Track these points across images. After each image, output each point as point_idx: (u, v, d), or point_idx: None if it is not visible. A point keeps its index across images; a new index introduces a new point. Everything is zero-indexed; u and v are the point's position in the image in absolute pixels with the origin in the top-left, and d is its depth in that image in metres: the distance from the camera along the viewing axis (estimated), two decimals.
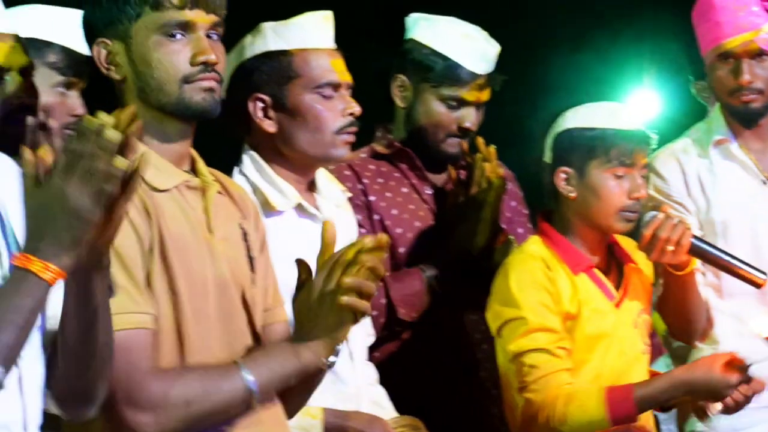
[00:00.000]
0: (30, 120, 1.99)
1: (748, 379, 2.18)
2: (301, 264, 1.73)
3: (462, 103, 2.69)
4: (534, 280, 2.34)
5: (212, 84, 1.78)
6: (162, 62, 1.75)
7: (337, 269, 1.64)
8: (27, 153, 1.35)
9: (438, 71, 2.68)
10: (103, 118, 1.31)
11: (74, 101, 2.14)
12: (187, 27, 1.76)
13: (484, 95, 2.72)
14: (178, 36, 1.75)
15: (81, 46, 2.03)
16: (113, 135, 1.28)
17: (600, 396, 2.23)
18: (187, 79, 1.74)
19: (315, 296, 1.70)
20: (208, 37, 1.77)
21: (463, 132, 2.68)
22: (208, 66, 1.75)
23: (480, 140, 2.69)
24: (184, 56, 1.75)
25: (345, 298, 1.63)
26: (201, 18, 1.76)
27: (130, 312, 1.66)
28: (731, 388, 2.15)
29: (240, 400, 1.70)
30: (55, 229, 1.35)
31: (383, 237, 1.71)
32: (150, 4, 1.75)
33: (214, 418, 1.74)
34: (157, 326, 1.70)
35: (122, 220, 1.39)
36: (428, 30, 2.71)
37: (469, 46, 2.72)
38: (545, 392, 2.25)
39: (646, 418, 2.40)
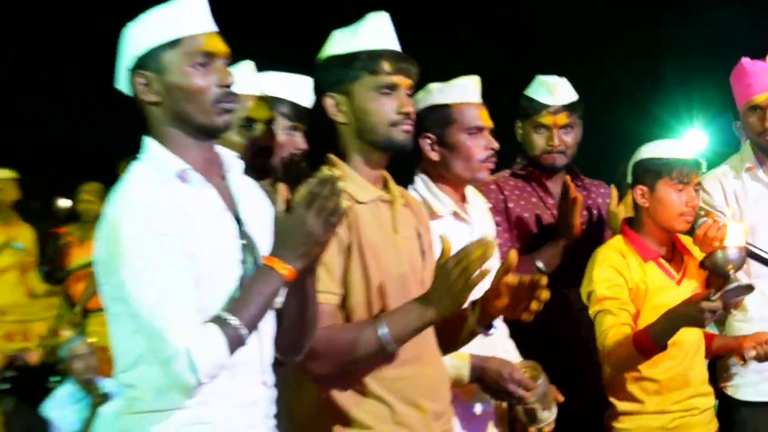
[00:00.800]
0: (280, 159, 2.82)
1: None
2: (444, 240, 2.29)
3: (544, 128, 3.55)
4: (608, 264, 3.19)
5: (410, 128, 2.52)
6: (376, 111, 2.47)
7: (467, 257, 2.21)
8: (282, 188, 2.09)
9: (528, 108, 3.61)
10: (335, 172, 2.09)
11: (299, 140, 2.88)
12: (393, 87, 2.47)
13: (560, 119, 3.51)
14: (388, 93, 2.47)
15: (304, 101, 2.87)
16: (340, 185, 2.01)
17: (629, 337, 3.03)
18: (393, 124, 2.46)
19: (449, 270, 2.23)
20: (408, 95, 2.52)
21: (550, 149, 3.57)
22: (408, 115, 2.48)
23: (567, 178, 3.47)
24: (391, 107, 2.45)
25: (473, 278, 2.21)
26: (403, 81, 2.49)
27: (320, 291, 2.33)
28: (702, 312, 2.87)
29: (377, 348, 2.31)
30: (295, 244, 2.06)
31: (489, 242, 2.27)
32: (368, 71, 2.46)
33: (361, 361, 2.36)
34: (336, 301, 2.41)
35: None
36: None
37: (544, 87, 3.59)
38: (607, 341, 3.07)
39: (701, 380, 3.28)
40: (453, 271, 2.24)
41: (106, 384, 5.82)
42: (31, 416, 5.77)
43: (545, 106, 3.52)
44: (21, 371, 6.44)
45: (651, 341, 2.98)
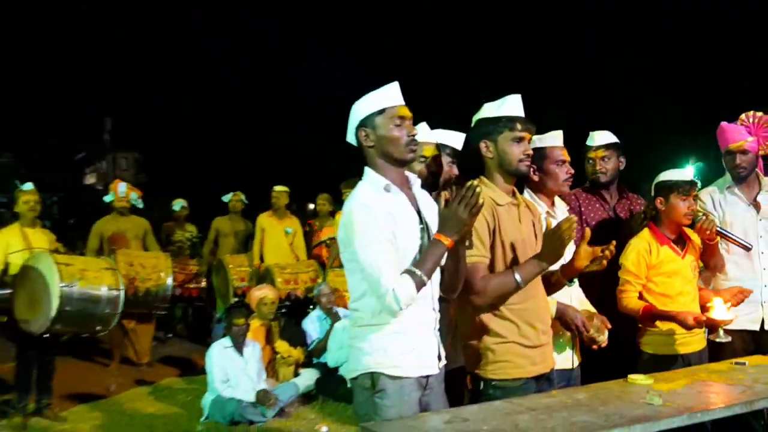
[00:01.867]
0: (443, 180, 3.88)
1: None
2: (548, 219, 3.31)
3: (592, 159, 4.85)
4: (636, 249, 4.41)
5: (529, 162, 3.46)
6: (511, 153, 3.37)
7: (561, 227, 3.15)
8: (444, 194, 2.96)
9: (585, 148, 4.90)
10: (475, 183, 2.88)
11: (454, 169, 3.93)
12: (522, 139, 3.36)
13: (599, 153, 4.80)
14: (519, 141, 3.37)
15: (458, 146, 3.97)
16: (478, 190, 2.86)
17: (639, 304, 4.33)
18: (521, 160, 3.37)
19: (551, 236, 3.20)
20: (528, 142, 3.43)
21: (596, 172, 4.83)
22: (529, 156, 3.41)
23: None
24: (520, 150, 3.37)
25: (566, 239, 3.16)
26: (527, 135, 3.41)
27: (474, 255, 3.26)
28: (689, 329, 4.19)
29: (515, 286, 3.25)
30: (452, 226, 2.89)
31: (573, 218, 3.21)
32: (508, 128, 3.38)
33: (505, 297, 3.29)
34: (487, 262, 3.31)
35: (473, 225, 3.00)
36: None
37: (591, 136, 4.87)
38: (624, 301, 4.38)
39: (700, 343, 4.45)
40: (554, 237, 3.17)
41: (339, 310, 8.05)
42: (295, 328, 7.91)
43: (591, 147, 4.80)
44: (292, 302, 8.68)
45: (649, 318, 4.31)
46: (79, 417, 6.96)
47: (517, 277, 3.23)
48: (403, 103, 3.10)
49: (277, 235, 9.66)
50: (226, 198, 10.44)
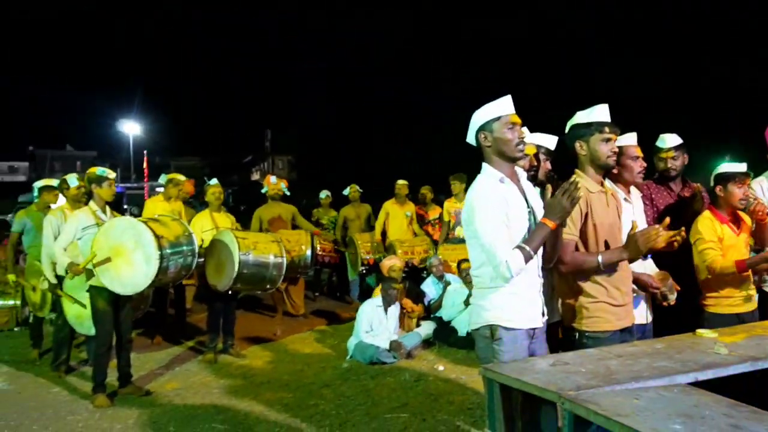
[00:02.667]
0: (543, 173, 3.95)
1: None
2: (634, 223, 3.29)
3: (663, 158, 4.68)
4: (706, 224, 4.26)
5: (615, 157, 3.39)
6: (602, 151, 3.33)
7: (649, 234, 3.14)
8: (548, 187, 3.05)
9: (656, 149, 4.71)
10: (576, 178, 3.18)
11: (548, 164, 3.99)
12: (609, 140, 3.33)
13: (670, 153, 4.64)
14: (607, 141, 3.32)
15: (552, 146, 4.02)
16: (579, 187, 2.92)
17: (732, 261, 4.10)
18: (608, 156, 3.34)
19: (637, 240, 3.16)
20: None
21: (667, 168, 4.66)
22: (615, 153, 3.36)
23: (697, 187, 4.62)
24: (608, 149, 3.32)
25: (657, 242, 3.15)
26: (614, 136, 3.37)
27: (567, 233, 3.21)
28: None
29: (596, 267, 3.23)
30: (555, 212, 2.90)
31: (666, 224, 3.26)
32: (599, 131, 3.34)
33: (586, 272, 3.28)
34: (576, 239, 3.28)
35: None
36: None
37: (662, 139, 4.68)
38: (714, 263, 4.14)
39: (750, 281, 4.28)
40: (640, 242, 3.17)
41: (447, 276, 8.06)
42: (415, 289, 7.95)
43: (662, 149, 4.66)
44: (410, 269, 8.67)
45: (745, 267, 4.07)
46: (254, 355, 7.19)
47: (600, 259, 3.24)
48: (514, 111, 3.09)
49: (399, 218, 9.76)
50: (345, 191, 10.58)
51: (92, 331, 6.01)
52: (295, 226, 9.20)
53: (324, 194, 11.14)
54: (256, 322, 8.94)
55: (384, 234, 9.78)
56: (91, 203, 5.71)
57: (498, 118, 3.05)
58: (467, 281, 7.49)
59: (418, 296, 7.85)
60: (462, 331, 7.30)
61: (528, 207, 3.09)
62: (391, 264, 7.64)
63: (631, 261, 3.46)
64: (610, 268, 3.30)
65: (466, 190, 9.03)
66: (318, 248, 9.28)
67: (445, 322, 7.52)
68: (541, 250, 3.07)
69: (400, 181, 9.89)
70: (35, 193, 7.37)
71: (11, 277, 7.41)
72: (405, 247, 9.06)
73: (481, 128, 3.09)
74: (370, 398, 5.51)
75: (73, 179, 6.59)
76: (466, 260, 7.77)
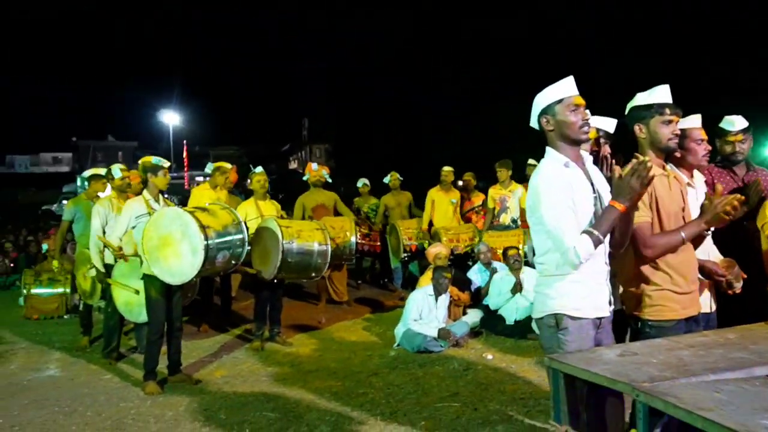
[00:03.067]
0: (602, 156, 3.83)
1: None
2: (717, 186, 3.30)
3: (730, 142, 4.41)
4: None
5: (677, 140, 3.24)
6: (662, 133, 3.20)
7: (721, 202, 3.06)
8: (616, 168, 2.85)
9: (721, 131, 4.46)
10: (647, 158, 2.77)
11: (607, 148, 3.84)
12: (670, 121, 3.18)
13: (738, 137, 4.36)
14: (668, 123, 3.18)
15: (611, 129, 3.93)
16: (650, 166, 2.76)
17: None
18: (670, 139, 3.20)
19: (711, 208, 3.11)
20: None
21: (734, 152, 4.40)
22: (677, 135, 3.23)
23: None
24: (669, 131, 3.19)
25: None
26: (675, 118, 3.22)
27: (641, 216, 3.11)
28: None
29: (680, 242, 3.13)
30: (625, 194, 2.78)
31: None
32: (659, 113, 3.21)
33: (671, 251, 3.16)
34: (650, 221, 3.14)
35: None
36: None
37: (728, 121, 4.40)
38: None
39: None
40: (718, 206, 3.10)
41: (495, 264, 7.94)
42: (461, 277, 7.83)
43: (730, 132, 4.39)
44: (455, 256, 8.54)
45: None
46: (301, 343, 7.19)
47: (683, 234, 3.14)
48: (578, 93, 2.97)
49: (444, 205, 9.63)
50: (386, 179, 10.47)
51: (141, 318, 6.08)
52: (337, 214, 9.17)
53: (361, 182, 11.10)
54: (300, 310, 8.95)
55: (430, 222, 9.66)
56: (145, 192, 5.75)
57: (560, 101, 2.94)
58: (514, 268, 7.37)
59: (464, 284, 7.74)
60: (509, 320, 7.20)
61: (594, 191, 2.97)
62: (437, 252, 7.55)
63: (700, 240, 3.38)
64: (675, 254, 3.18)
65: (511, 177, 8.98)
66: (358, 236, 9.22)
67: (492, 311, 7.42)
68: (608, 236, 2.96)
69: (446, 168, 9.75)
70: (79, 183, 7.53)
71: (55, 264, 7.51)
72: (450, 234, 8.96)
73: (543, 112, 2.99)
74: (420, 387, 5.45)
75: (117, 170, 6.65)
76: (513, 247, 7.66)
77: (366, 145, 41.40)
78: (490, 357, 6.29)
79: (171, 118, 60.62)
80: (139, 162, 5.84)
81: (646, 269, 3.22)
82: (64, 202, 38.31)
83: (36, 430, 4.72)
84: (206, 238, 5.22)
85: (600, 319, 2.93)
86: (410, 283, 10.04)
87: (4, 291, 11.92)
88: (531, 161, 9.47)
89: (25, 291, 8.89)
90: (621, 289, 3.42)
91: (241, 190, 16.71)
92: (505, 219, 8.86)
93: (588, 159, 3.12)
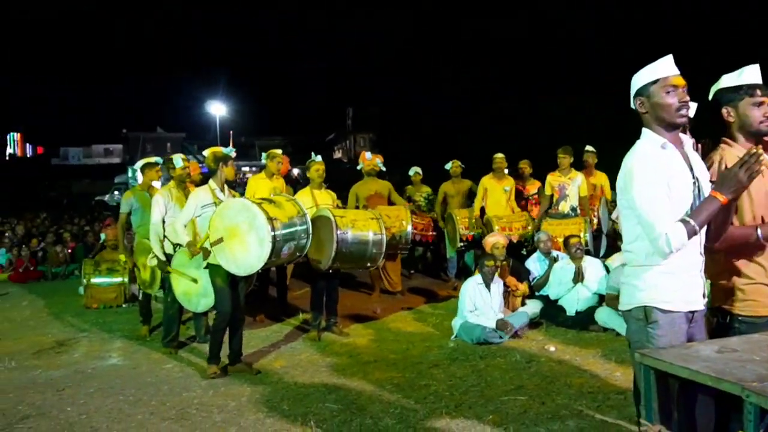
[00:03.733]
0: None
1: None
2: None
3: None
4: None
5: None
6: (753, 116, 2.97)
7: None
8: (719, 155, 2.93)
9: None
10: (759, 150, 2.60)
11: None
12: (761, 104, 2.94)
13: None
14: (759, 105, 2.94)
15: (691, 112, 3.11)
16: (763, 159, 2.61)
17: None
18: (761, 122, 2.96)
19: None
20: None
21: None
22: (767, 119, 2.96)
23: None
24: (760, 113, 2.95)
25: None
26: (766, 100, 2.97)
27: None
28: None
29: (754, 240, 2.86)
30: (729, 186, 2.61)
31: None
32: (749, 94, 2.98)
33: (742, 247, 2.92)
34: None
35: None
36: None
37: None
38: None
39: None
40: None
41: (554, 253, 7.75)
42: (519, 266, 7.64)
43: None
44: (511, 245, 8.19)
45: None
46: (357, 333, 7.12)
47: (759, 232, 2.88)
48: (677, 73, 2.80)
49: (497, 193, 9.41)
50: (447, 166, 10.28)
51: (199, 308, 6.10)
52: (390, 203, 9.08)
53: (413, 171, 10.99)
54: (354, 300, 8.91)
55: (482, 210, 9.48)
56: (211, 181, 5.75)
57: (655, 81, 2.77)
58: (575, 257, 7.17)
59: (523, 274, 7.56)
60: (570, 310, 7.03)
61: (693, 177, 2.79)
62: (495, 241, 7.39)
63: None
64: None
65: (572, 165, 8.74)
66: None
67: (552, 301, 7.24)
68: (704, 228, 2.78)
69: (498, 155, 9.53)
70: (130, 174, 7.60)
71: (122, 257, 7.58)
72: (502, 222, 8.78)
73: (638, 93, 2.83)
74: (483, 379, 5.33)
75: (179, 159, 6.65)
76: (575, 236, 7.45)
77: (411, 134, 41.07)
78: (552, 349, 6.13)
79: (217, 109, 61.10)
80: (209, 151, 5.82)
81: (739, 261, 3.00)
82: (116, 192, 39.67)
83: (103, 419, 4.74)
84: (273, 230, 5.19)
85: (693, 312, 2.77)
86: (464, 274, 9.93)
87: (64, 280, 12.15)
88: (589, 147, 9.24)
89: (84, 281, 9.02)
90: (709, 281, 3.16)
91: (287, 180, 16.65)
92: (564, 207, 8.62)
93: (688, 143, 2.92)
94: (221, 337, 5.64)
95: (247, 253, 5.27)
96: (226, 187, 5.81)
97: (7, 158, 67.64)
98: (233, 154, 5.80)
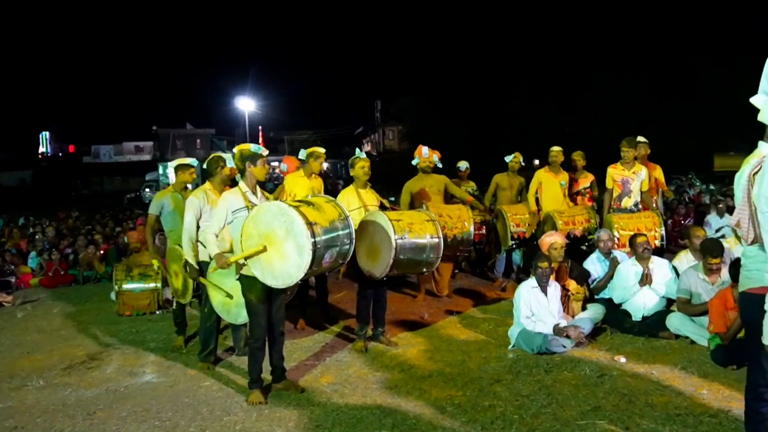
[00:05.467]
0: None
1: None
2: None
3: None
4: None
5: None
6: None
7: None
8: None
9: None
10: None
11: None
12: None
13: None
14: None
15: None
16: None
17: None
18: None
19: None
20: None
21: None
22: None
23: None
24: None
25: None
26: None
27: None
28: None
29: None
30: None
31: None
32: None
33: None
34: None
35: None
36: None
37: None
38: None
39: None
40: None
41: (616, 253, 7.12)
42: (580, 268, 7.01)
43: None
44: (571, 240, 7.73)
45: None
46: (406, 342, 6.61)
47: None
48: None
49: (553, 187, 8.79)
50: (508, 158, 9.68)
51: (239, 320, 5.64)
52: (446, 198, 8.61)
53: (464, 166, 10.54)
54: (398, 303, 8.38)
55: (536, 205, 8.90)
56: (241, 183, 5.21)
57: None
58: (643, 258, 6.57)
59: (584, 276, 6.96)
60: (636, 315, 6.45)
61: None
62: (552, 241, 6.78)
63: None
64: None
65: (636, 157, 8.09)
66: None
67: (615, 305, 6.66)
68: None
69: (555, 148, 8.91)
70: (161, 171, 7.11)
71: (155, 262, 7.16)
72: (565, 217, 8.15)
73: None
74: (553, 398, 4.79)
75: (231, 159, 6.06)
76: (641, 234, 6.86)
77: (442, 127, 40.22)
78: (623, 360, 5.57)
79: (246, 105, 60.94)
80: (236, 150, 5.30)
81: None
82: (147, 190, 39.41)
83: None
84: (313, 236, 4.66)
85: None
86: (512, 273, 9.39)
87: (96, 284, 11.79)
88: (641, 138, 8.59)
89: (116, 287, 8.62)
90: None
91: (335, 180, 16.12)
92: (627, 203, 7.97)
93: None
94: (261, 358, 5.13)
95: (285, 262, 4.74)
96: (258, 188, 5.29)
97: (40, 156, 68.06)
98: (264, 152, 5.26)
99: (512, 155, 9.56)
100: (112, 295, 9.04)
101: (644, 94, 33.99)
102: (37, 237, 14.12)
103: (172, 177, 7.00)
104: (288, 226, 4.72)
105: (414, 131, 45.59)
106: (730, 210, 13.18)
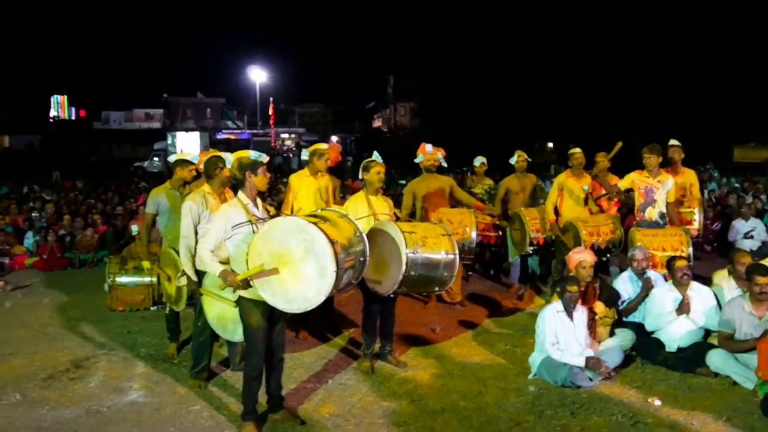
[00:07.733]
0: None
1: None
2: None
3: None
4: None
5: None
6: None
7: None
8: None
9: None
10: None
11: None
12: None
13: None
14: None
15: None
16: None
17: None
18: None
19: None
20: None
21: None
22: None
23: None
24: None
25: None
26: None
27: None
28: None
29: None
30: None
31: None
32: None
33: None
34: None
35: None
36: None
37: None
38: None
39: None
40: None
41: (650, 274, 6.51)
42: (610, 289, 6.42)
43: None
44: (595, 252, 6.82)
45: None
46: (416, 363, 6.06)
47: None
48: None
49: (576, 193, 8.07)
50: (512, 160, 9.02)
51: (236, 337, 5.10)
52: (451, 201, 7.98)
53: (479, 161, 9.89)
54: (407, 311, 7.80)
55: (555, 211, 8.19)
56: (241, 194, 4.61)
57: None
58: (681, 284, 5.96)
59: (614, 297, 6.32)
60: (671, 346, 5.87)
61: None
62: (581, 259, 6.14)
63: None
64: None
65: (661, 165, 7.44)
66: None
67: (647, 332, 6.08)
68: None
69: (576, 150, 8.21)
70: (169, 140, 6.55)
71: (146, 264, 6.63)
72: (589, 227, 7.47)
73: None
74: None
75: (230, 159, 5.46)
76: (681, 257, 6.24)
77: (455, 104, 39.38)
78: (658, 403, 5.01)
79: (258, 75, 60.29)
80: (233, 157, 4.70)
81: None
82: (155, 159, 38.99)
83: None
84: (336, 256, 4.09)
85: None
86: (528, 279, 8.82)
87: (92, 267, 11.30)
88: (673, 141, 7.93)
89: (109, 280, 8.10)
90: None
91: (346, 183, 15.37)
92: (651, 214, 7.32)
93: None
94: (256, 388, 4.59)
95: (301, 284, 4.15)
96: (259, 200, 4.72)
97: (51, 120, 67.29)
98: (264, 159, 4.66)
99: (515, 155, 8.91)
100: (106, 287, 8.50)
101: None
102: (34, 215, 13.58)
103: (179, 147, 6.44)
104: (308, 245, 4.12)
105: (425, 109, 44.91)
106: (759, 214, 12.56)
